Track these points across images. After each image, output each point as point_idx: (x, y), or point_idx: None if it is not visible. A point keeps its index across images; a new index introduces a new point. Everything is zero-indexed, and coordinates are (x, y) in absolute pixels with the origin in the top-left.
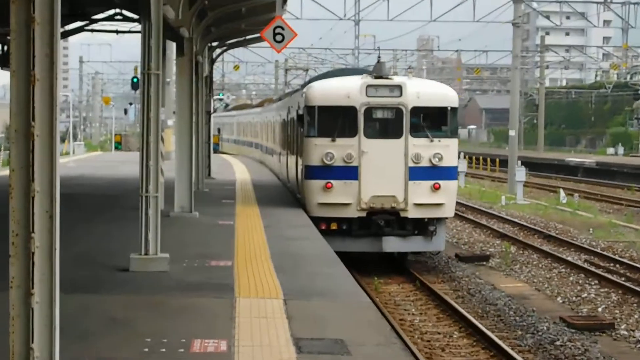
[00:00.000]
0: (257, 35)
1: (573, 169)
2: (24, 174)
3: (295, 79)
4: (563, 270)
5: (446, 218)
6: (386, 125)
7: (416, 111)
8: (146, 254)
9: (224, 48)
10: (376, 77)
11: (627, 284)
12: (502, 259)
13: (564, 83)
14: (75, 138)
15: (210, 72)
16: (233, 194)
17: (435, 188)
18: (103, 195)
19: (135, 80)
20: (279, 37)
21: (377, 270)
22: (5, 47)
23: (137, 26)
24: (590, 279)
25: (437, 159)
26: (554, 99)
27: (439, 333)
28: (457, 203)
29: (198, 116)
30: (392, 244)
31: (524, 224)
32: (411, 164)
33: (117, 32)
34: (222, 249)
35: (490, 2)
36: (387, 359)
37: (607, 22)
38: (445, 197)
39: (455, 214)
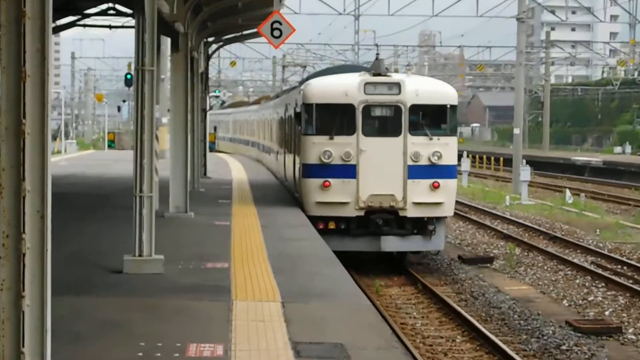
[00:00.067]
0: (254, 30)
1: (579, 168)
2: (15, 173)
3: (293, 76)
4: (569, 272)
5: (445, 217)
6: (385, 123)
7: (415, 109)
8: (140, 255)
9: (220, 44)
10: (375, 75)
11: (635, 286)
12: (506, 261)
13: (569, 80)
14: (67, 136)
15: (206, 68)
16: (229, 194)
17: (435, 187)
18: (96, 194)
19: (129, 76)
20: (276, 33)
21: (376, 269)
22: None
23: (131, 21)
24: (597, 282)
25: (436, 157)
26: (559, 96)
27: (442, 337)
28: (460, 203)
29: (193, 114)
30: (391, 244)
31: (529, 224)
32: (410, 163)
33: (110, 27)
34: (218, 250)
35: None
36: None
37: (614, 17)
38: (444, 196)
39: (458, 214)
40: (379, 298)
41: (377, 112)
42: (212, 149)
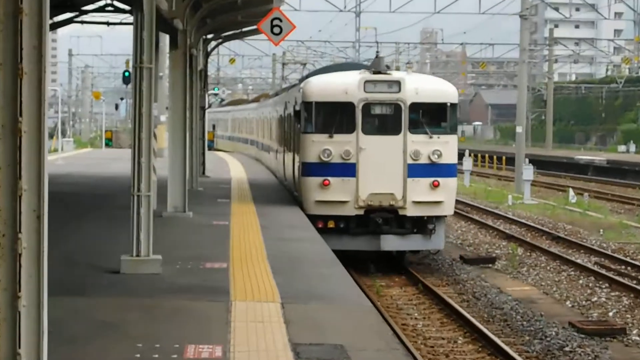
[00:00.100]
0: (254, 27)
1: (583, 167)
2: (11, 172)
3: (293, 74)
4: (572, 273)
5: (445, 216)
6: (384, 121)
7: (415, 107)
8: (138, 255)
9: (220, 41)
10: (374, 73)
11: (639, 287)
12: (508, 261)
13: (573, 78)
14: (64, 134)
15: (205, 65)
16: (228, 193)
17: (435, 185)
18: (93, 194)
19: (126, 74)
20: (276, 30)
21: (375, 269)
22: None
23: (129, 17)
24: (600, 282)
25: (436, 156)
26: (562, 94)
27: (443, 338)
28: (462, 203)
29: (192, 112)
30: (391, 243)
31: (532, 224)
32: (410, 161)
33: (108, 23)
34: (217, 250)
35: None
36: None
37: (618, 14)
38: (444, 195)
39: (460, 214)
40: (379, 299)
41: (377, 110)
42: (210, 148)
